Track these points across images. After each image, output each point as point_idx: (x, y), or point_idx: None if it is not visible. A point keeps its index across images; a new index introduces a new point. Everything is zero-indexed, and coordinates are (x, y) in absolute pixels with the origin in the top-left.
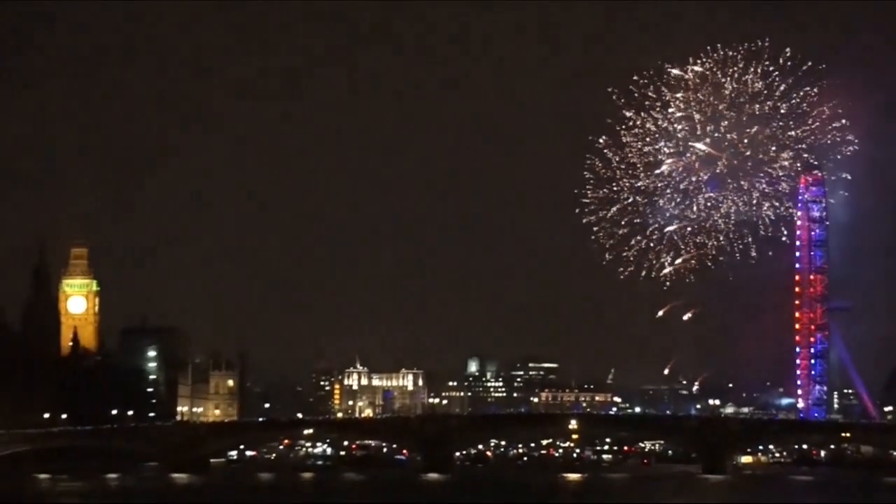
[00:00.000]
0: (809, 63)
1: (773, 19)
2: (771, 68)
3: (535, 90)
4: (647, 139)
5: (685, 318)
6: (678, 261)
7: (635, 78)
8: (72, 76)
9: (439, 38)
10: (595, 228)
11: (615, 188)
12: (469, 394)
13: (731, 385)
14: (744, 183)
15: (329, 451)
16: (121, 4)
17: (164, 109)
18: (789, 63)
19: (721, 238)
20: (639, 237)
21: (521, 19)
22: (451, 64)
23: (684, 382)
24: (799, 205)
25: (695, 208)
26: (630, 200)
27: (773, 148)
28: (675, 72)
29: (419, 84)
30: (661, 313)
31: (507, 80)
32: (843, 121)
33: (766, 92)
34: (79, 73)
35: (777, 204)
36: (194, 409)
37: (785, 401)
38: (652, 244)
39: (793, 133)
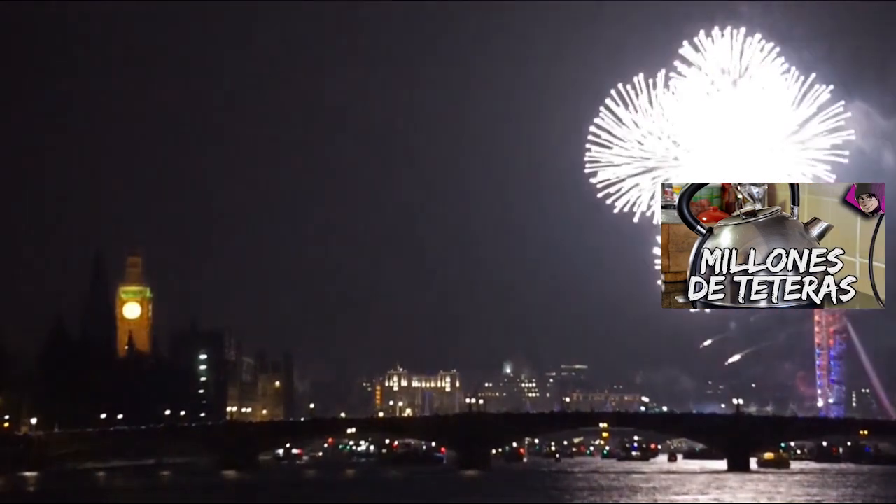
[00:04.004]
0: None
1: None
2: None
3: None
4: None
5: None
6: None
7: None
8: (125, 92)
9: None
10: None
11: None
12: (504, 394)
13: (753, 385)
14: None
15: (371, 448)
16: (170, 22)
17: (211, 125)
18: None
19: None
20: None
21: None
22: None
23: (710, 382)
24: None
25: None
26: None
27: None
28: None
29: (460, 103)
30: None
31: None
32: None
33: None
34: (131, 88)
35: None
36: (243, 410)
37: (806, 401)
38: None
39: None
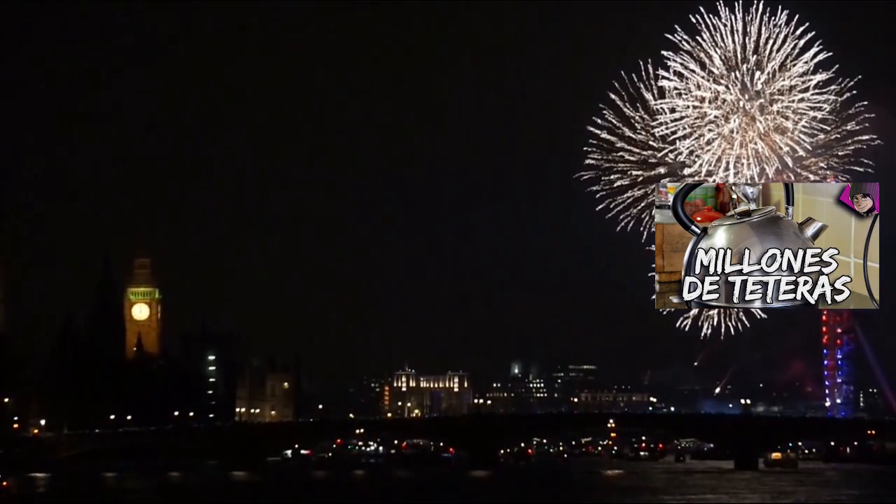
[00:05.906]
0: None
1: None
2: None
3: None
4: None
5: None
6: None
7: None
8: (136, 92)
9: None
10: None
11: None
12: (512, 394)
13: (761, 385)
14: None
15: (380, 449)
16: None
17: (220, 126)
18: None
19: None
20: None
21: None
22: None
23: (718, 383)
24: None
25: None
26: None
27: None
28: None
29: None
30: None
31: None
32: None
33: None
34: (143, 88)
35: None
36: (252, 410)
37: (814, 401)
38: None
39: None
